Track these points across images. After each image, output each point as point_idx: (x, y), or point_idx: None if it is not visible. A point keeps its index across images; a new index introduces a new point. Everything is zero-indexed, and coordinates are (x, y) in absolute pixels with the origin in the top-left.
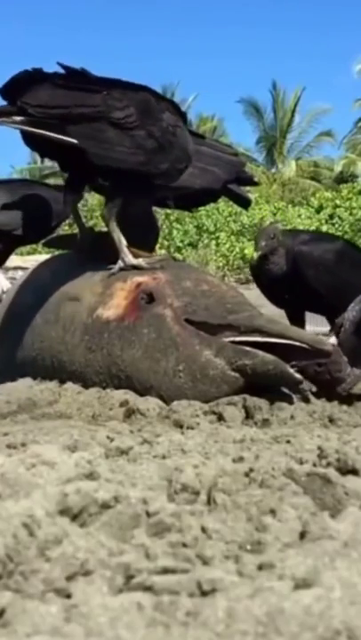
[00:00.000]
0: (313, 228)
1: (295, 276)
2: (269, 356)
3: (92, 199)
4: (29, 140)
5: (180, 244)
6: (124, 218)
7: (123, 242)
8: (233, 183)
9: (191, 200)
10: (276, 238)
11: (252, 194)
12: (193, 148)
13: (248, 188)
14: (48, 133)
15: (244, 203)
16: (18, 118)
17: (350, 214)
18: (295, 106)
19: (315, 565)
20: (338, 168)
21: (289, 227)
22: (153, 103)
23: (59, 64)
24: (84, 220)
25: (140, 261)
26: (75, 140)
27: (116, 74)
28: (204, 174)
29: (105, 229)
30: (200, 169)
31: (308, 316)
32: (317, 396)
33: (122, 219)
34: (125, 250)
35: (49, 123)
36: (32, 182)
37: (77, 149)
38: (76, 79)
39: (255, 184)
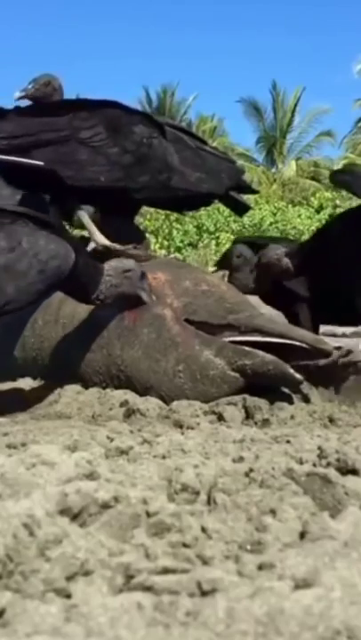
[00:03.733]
0: (313, 228)
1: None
2: (269, 356)
3: None
4: (6, 174)
5: (180, 244)
6: (110, 233)
7: (92, 225)
8: (234, 190)
9: (187, 203)
10: (243, 257)
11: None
12: (177, 160)
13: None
14: (14, 158)
15: (243, 209)
16: None
17: None
18: (295, 106)
19: (315, 565)
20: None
21: (289, 227)
22: (123, 118)
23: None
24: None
25: (114, 244)
26: (40, 163)
27: (116, 73)
28: (210, 179)
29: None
30: (206, 173)
31: None
32: None
33: (108, 233)
34: (96, 231)
35: (16, 152)
36: None
37: (52, 175)
38: (40, 106)
39: (255, 192)
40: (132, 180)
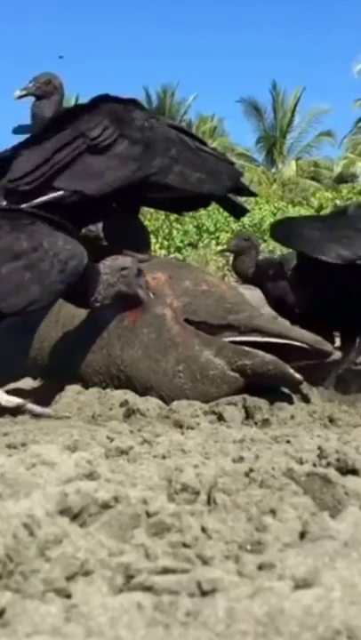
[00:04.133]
0: None
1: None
2: (269, 356)
3: None
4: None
5: (180, 244)
6: (113, 231)
7: None
8: (233, 192)
9: (187, 204)
10: (250, 241)
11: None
12: (174, 134)
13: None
14: (38, 200)
15: (240, 212)
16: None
17: None
18: (295, 106)
19: (315, 565)
20: (338, 168)
21: None
22: (121, 108)
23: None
24: None
25: None
26: (61, 192)
27: (116, 73)
28: (211, 179)
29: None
30: (207, 173)
31: None
32: None
33: (111, 232)
34: None
35: (38, 187)
36: None
37: (77, 194)
38: (44, 129)
39: (254, 194)
40: (147, 166)
